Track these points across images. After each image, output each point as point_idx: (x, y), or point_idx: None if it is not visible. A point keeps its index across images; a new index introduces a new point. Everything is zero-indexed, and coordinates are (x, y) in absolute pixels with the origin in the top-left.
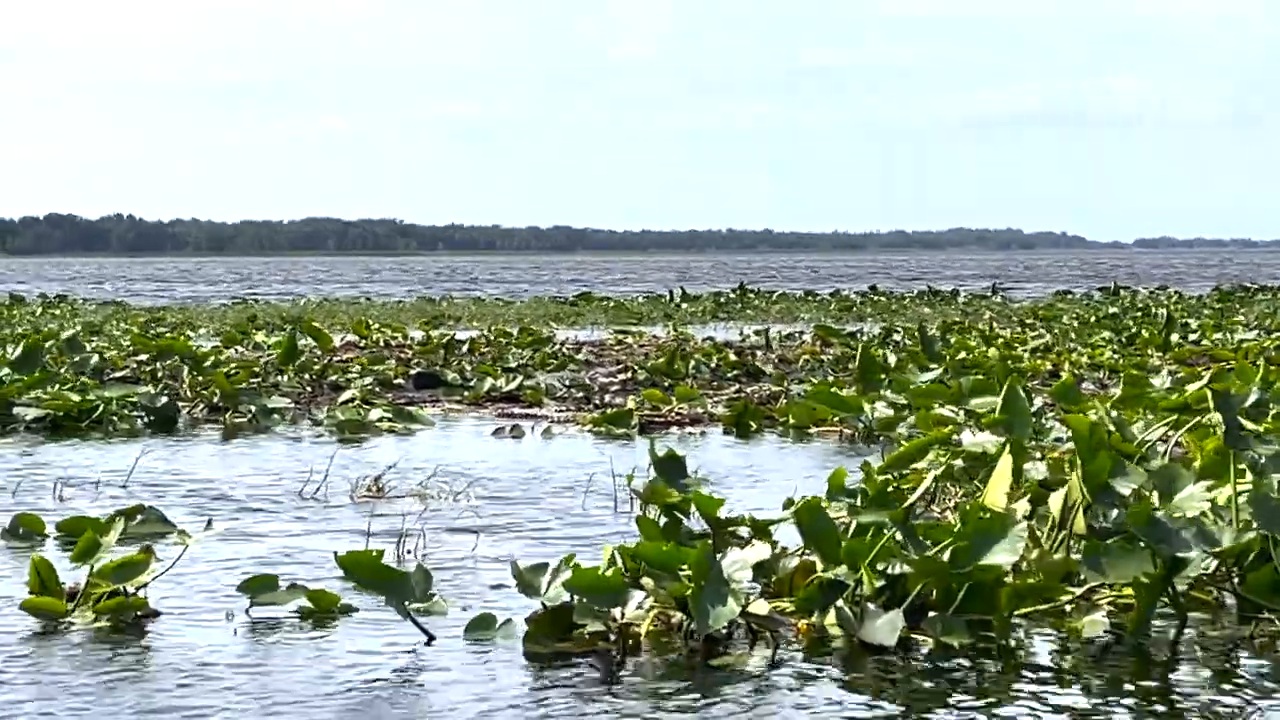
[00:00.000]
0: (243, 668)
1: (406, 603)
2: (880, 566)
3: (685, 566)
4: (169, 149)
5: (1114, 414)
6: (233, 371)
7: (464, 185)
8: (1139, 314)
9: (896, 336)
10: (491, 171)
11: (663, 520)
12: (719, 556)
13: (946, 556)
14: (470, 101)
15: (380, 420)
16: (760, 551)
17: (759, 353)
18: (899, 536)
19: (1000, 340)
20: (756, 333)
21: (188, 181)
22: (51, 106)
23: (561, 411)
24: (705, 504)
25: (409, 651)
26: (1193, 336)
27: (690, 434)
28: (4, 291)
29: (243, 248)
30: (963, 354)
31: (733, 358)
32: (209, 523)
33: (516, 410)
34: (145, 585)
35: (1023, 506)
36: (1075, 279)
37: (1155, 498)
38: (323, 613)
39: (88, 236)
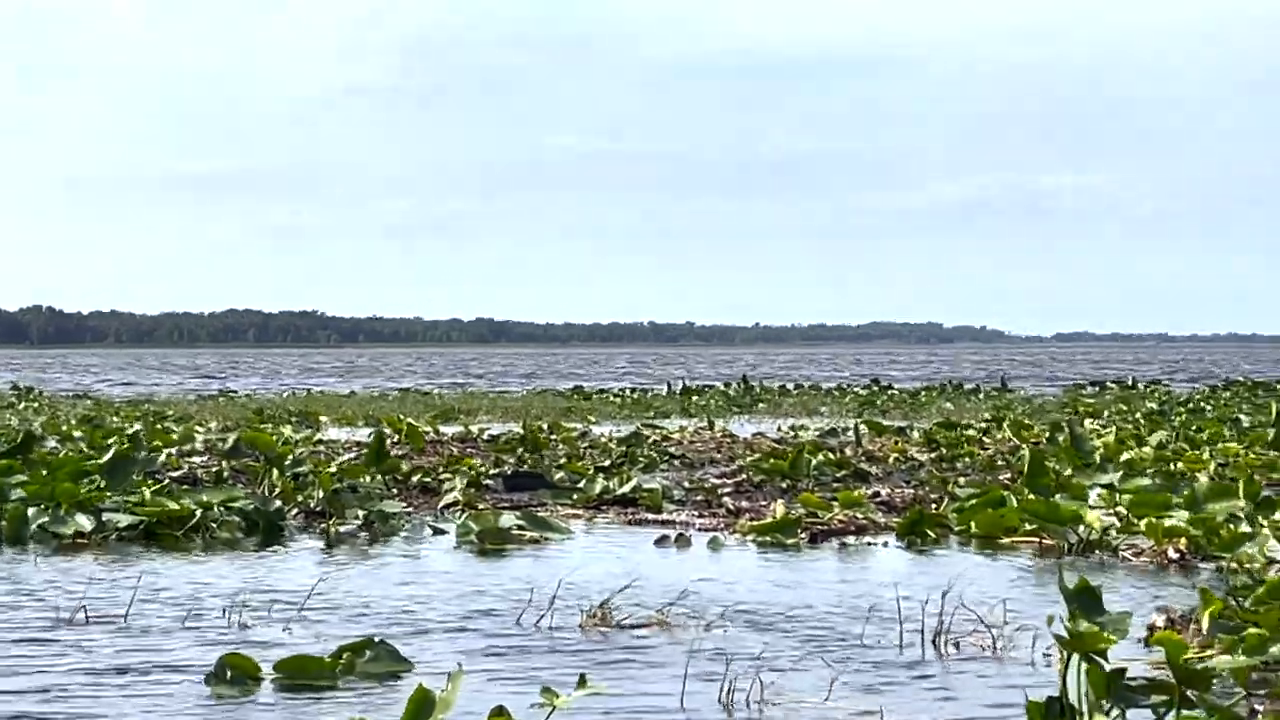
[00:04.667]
0: None
1: None
2: None
3: None
4: (88, 240)
5: None
6: (310, 473)
7: (384, 278)
8: (1183, 410)
9: (995, 436)
10: (412, 264)
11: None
12: None
13: None
14: (394, 196)
15: (513, 528)
16: None
17: (847, 450)
18: None
19: (1118, 439)
20: (810, 427)
21: (107, 273)
22: None
23: (701, 517)
24: (1174, 648)
25: None
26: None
27: (870, 543)
28: None
29: (161, 340)
30: (1126, 454)
31: (832, 457)
32: (582, 679)
33: (648, 516)
34: None
35: None
36: (1024, 373)
37: None
38: None
39: (6, 327)
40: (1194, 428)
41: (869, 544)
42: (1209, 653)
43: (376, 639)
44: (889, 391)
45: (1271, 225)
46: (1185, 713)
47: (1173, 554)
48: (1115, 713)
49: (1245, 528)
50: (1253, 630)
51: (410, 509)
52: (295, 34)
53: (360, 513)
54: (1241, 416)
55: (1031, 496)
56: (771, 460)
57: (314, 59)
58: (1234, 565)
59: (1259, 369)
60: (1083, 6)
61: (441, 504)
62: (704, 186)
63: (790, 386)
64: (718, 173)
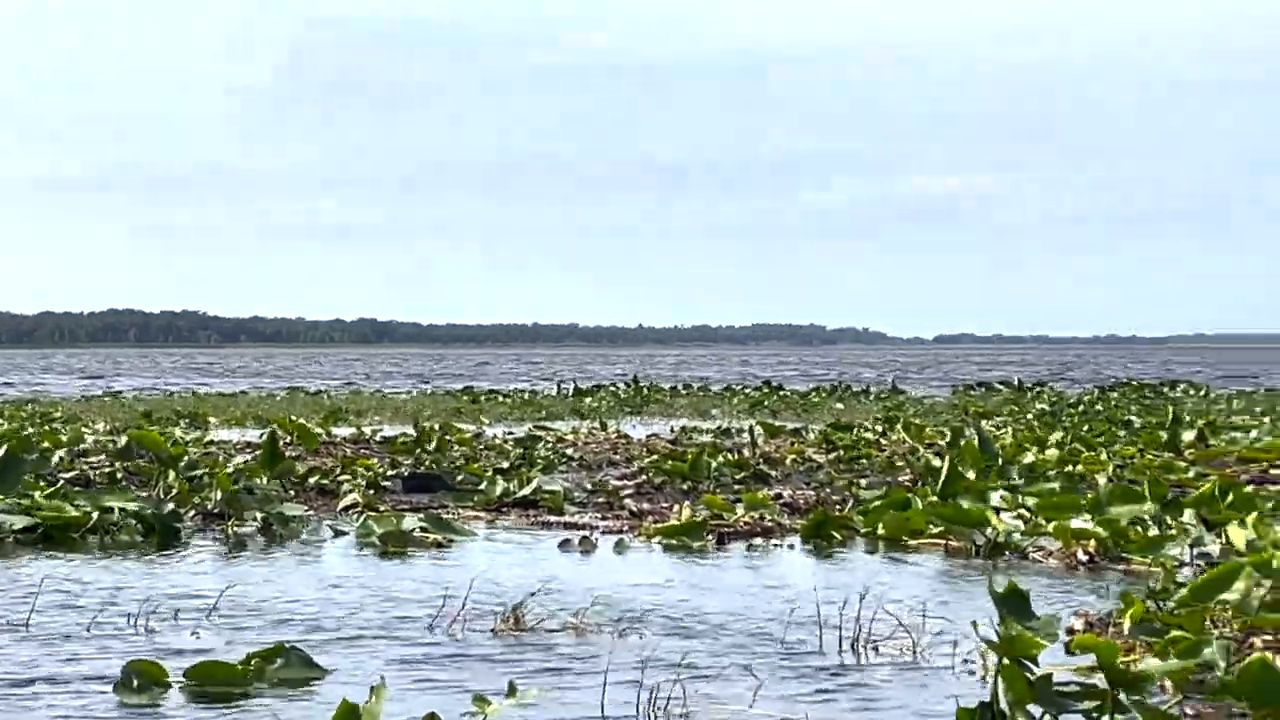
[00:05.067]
0: None
1: None
2: None
3: None
4: None
5: None
6: (205, 474)
7: (266, 277)
8: (1073, 411)
9: (894, 435)
10: (294, 264)
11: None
12: None
13: None
14: (276, 197)
15: (415, 531)
16: None
17: (745, 452)
18: None
19: (1016, 441)
20: (703, 428)
21: None
22: None
23: (604, 520)
24: (1106, 651)
25: None
26: (1188, 435)
27: (776, 545)
28: None
29: (41, 340)
30: (1028, 457)
31: (732, 458)
32: (511, 687)
33: (551, 519)
34: None
35: None
36: (909, 374)
37: None
38: None
39: None
40: (1086, 429)
41: (775, 546)
42: (1132, 656)
43: (288, 645)
44: (780, 392)
45: (1146, 232)
46: (1120, 717)
47: (1082, 556)
48: (1046, 718)
49: (1154, 530)
50: (1183, 634)
51: (309, 511)
52: (179, 33)
53: (259, 515)
54: (1132, 418)
55: (936, 499)
56: (671, 462)
57: (198, 59)
58: (1155, 568)
59: (1148, 370)
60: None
61: (341, 506)
62: (589, 190)
63: (680, 387)
64: (604, 176)
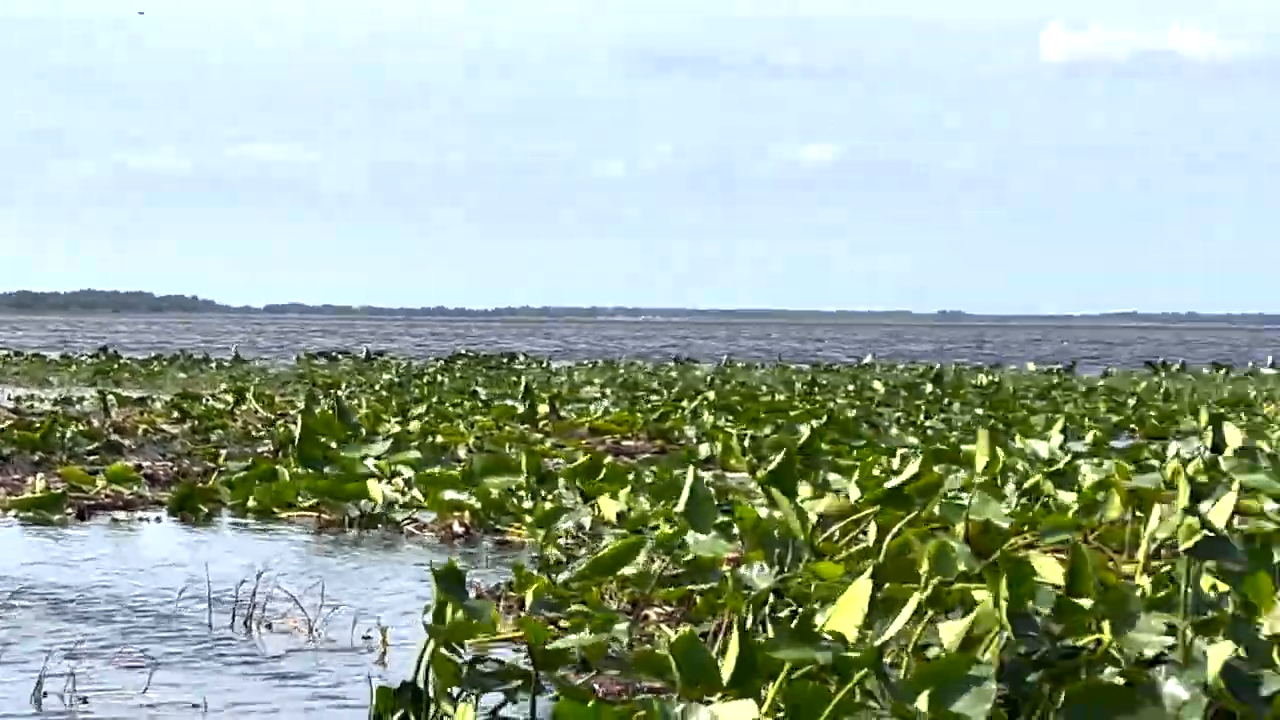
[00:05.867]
0: None
1: None
2: None
3: None
4: None
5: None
6: None
7: None
8: (419, 382)
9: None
10: None
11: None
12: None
13: (924, 706)
14: None
15: None
16: (742, 711)
17: (95, 421)
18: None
19: (371, 410)
20: (43, 397)
21: None
22: None
23: None
24: (536, 632)
25: None
26: (542, 407)
27: (142, 519)
28: None
29: None
30: (389, 427)
31: (82, 428)
32: None
33: None
34: None
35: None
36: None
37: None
38: None
39: None
40: (435, 399)
41: (141, 519)
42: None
43: None
44: (120, 361)
45: (488, 205)
46: (561, 700)
47: (458, 528)
48: (469, 698)
49: (529, 503)
50: (583, 608)
51: None
52: None
53: None
54: (479, 389)
55: (302, 471)
56: (19, 432)
57: None
58: (529, 538)
59: (479, 342)
60: None
61: None
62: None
63: (12, 355)
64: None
